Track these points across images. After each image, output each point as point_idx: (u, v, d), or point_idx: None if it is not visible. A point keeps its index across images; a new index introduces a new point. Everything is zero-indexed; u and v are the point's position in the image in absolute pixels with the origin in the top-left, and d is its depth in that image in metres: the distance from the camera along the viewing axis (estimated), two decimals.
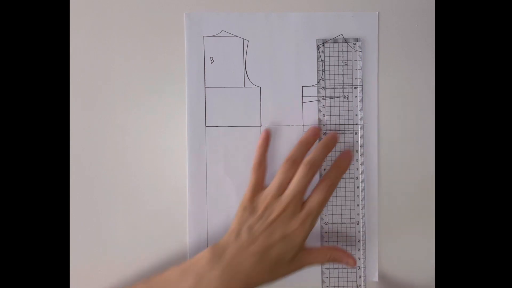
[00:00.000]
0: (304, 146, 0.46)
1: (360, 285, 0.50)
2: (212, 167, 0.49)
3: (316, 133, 0.48)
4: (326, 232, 0.50)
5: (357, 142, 0.49)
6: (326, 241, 0.50)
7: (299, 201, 0.44)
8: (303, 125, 0.49)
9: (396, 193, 0.50)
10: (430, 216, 0.49)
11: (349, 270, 0.50)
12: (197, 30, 0.49)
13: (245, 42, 0.49)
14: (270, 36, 0.49)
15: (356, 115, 0.49)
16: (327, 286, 0.50)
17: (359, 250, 0.50)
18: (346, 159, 0.47)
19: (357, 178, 0.50)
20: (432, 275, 0.49)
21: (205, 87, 0.49)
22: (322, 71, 0.49)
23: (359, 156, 0.49)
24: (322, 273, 0.50)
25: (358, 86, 0.49)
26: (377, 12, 0.49)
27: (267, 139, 0.48)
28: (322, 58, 0.49)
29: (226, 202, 0.50)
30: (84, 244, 0.49)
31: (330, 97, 0.49)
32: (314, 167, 0.45)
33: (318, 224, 0.50)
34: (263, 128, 0.49)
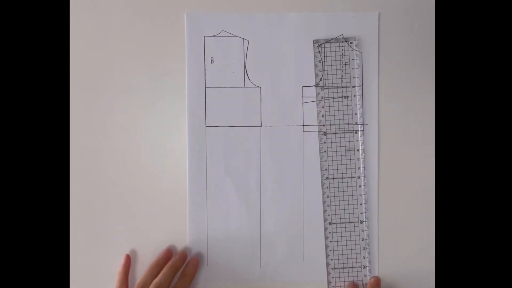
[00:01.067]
0: (154, 268, 0.47)
1: (366, 284, 0.50)
2: (212, 167, 0.49)
3: (167, 255, 0.49)
4: (330, 232, 0.50)
5: (357, 141, 0.49)
6: (331, 241, 0.50)
7: None
8: (303, 125, 0.49)
9: (396, 193, 0.50)
10: (430, 216, 0.49)
11: (355, 269, 0.50)
12: (198, 30, 0.49)
13: (246, 42, 0.49)
14: (271, 36, 0.49)
15: (356, 114, 0.49)
16: (333, 286, 0.50)
17: (363, 248, 0.50)
18: (192, 266, 0.48)
19: (359, 177, 0.50)
20: (432, 274, 0.49)
21: (205, 87, 0.49)
22: (322, 71, 0.49)
23: (360, 155, 0.49)
24: (328, 274, 0.50)
25: (357, 86, 0.49)
26: (377, 12, 0.49)
27: (128, 264, 0.49)
28: (323, 59, 0.49)
29: (226, 202, 0.50)
30: (84, 244, 0.49)
31: (330, 98, 0.49)
32: None
33: (321, 224, 0.50)
34: (263, 128, 0.49)
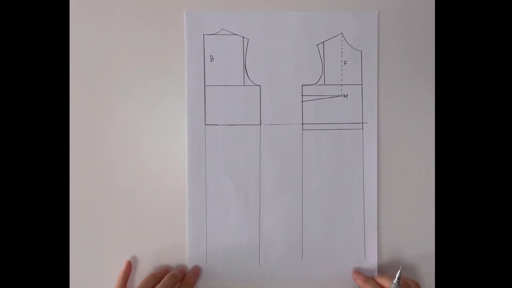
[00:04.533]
0: (150, 277, 0.47)
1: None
2: (211, 166, 0.50)
3: (164, 270, 0.49)
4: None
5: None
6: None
7: None
8: (302, 123, 0.49)
9: (396, 192, 0.50)
10: (430, 215, 0.50)
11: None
12: (197, 29, 0.49)
13: (245, 40, 0.49)
14: (270, 34, 0.49)
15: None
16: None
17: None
18: (193, 275, 0.49)
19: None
20: (432, 274, 0.50)
21: (204, 86, 0.49)
22: (322, 70, 0.49)
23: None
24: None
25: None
26: (377, 11, 0.49)
27: (128, 271, 0.49)
28: (322, 57, 0.49)
29: (225, 201, 0.50)
30: (84, 244, 0.49)
31: (329, 96, 0.49)
32: None
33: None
34: (262, 126, 0.49)
